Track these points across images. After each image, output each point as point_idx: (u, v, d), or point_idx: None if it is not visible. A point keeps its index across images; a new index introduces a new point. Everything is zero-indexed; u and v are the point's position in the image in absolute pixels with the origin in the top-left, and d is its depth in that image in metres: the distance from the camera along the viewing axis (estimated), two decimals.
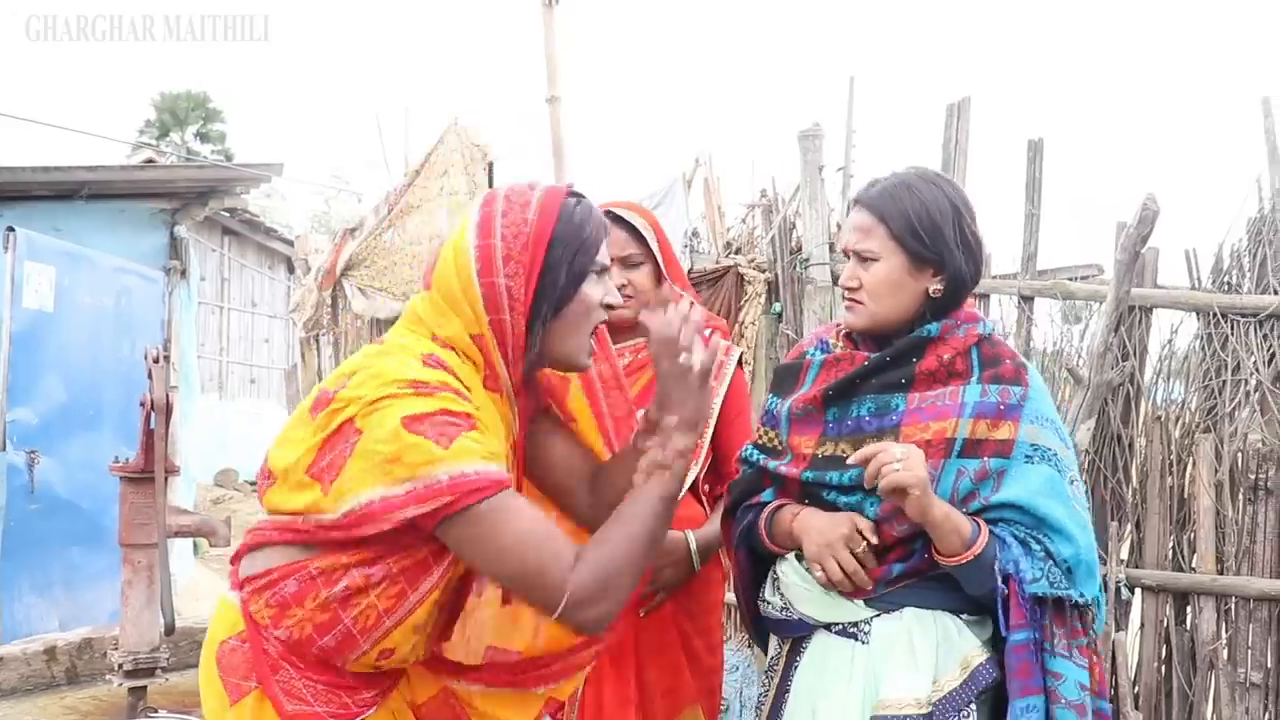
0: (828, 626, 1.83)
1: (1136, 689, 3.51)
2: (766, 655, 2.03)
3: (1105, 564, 3.46)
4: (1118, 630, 3.47)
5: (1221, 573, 3.42)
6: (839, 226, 3.94)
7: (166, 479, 4.00)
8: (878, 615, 1.78)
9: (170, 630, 4.06)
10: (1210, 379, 3.50)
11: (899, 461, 1.64)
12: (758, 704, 1.97)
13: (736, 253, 4.26)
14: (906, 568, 1.76)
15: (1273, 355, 3.44)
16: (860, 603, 1.79)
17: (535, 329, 1.58)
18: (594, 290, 1.61)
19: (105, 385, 6.21)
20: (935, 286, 1.80)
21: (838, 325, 1.94)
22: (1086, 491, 3.46)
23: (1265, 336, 3.45)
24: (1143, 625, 3.55)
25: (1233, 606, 3.41)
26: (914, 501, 1.65)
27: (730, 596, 2.29)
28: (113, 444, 5.36)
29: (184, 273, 7.68)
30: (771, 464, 1.89)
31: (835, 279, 3.79)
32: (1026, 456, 1.75)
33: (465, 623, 1.75)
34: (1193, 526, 3.49)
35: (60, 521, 5.82)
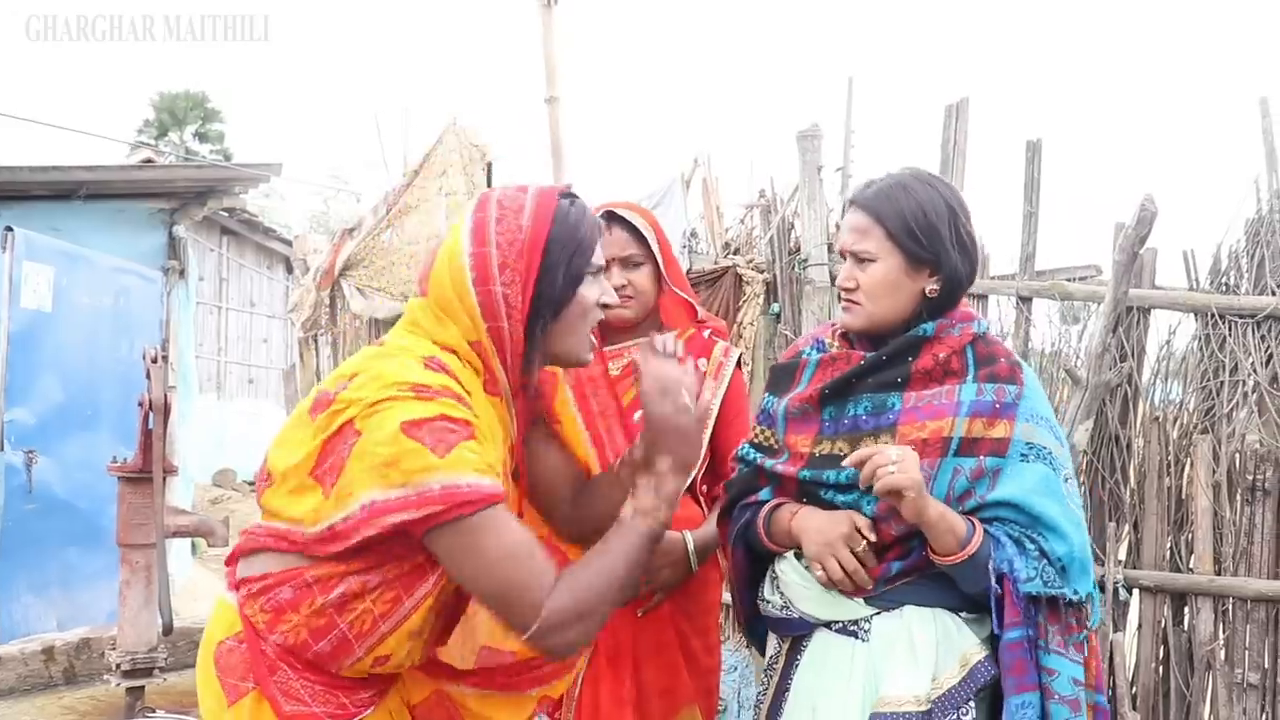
0: (828, 625, 1.83)
1: (1134, 689, 3.51)
2: (761, 654, 2.04)
3: (1103, 564, 3.46)
4: (1115, 631, 3.47)
5: (1219, 573, 3.42)
6: (837, 227, 3.93)
7: (164, 479, 4.00)
8: (878, 613, 1.79)
9: (168, 630, 4.06)
10: (1208, 380, 3.50)
11: (894, 464, 1.64)
12: (757, 702, 1.98)
13: (735, 253, 4.26)
14: (905, 565, 1.77)
15: (1270, 356, 3.44)
16: (860, 601, 1.79)
17: (534, 333, 1.57)
18: (590, 291, 1.61)
19: (103, 385, 6.21)
20: (931, 287, 1.80)
21: (834, 325, 1.94)
22: (1084, 492, 3.49)
23: (1263, 337, 3.45)
24: (1140, 626, 3.56)
25: (1230, 607, 3.41)
26: (909, 503, 1.66)
27: (727, 596, 2.29)
28: (110, 444, 5.34)
29: (182, 273, 7.67)
30: (768, 463, 1.89)
31: (834, 279, 3.78)
32: (1022, 455, 1.76)
33: (462, 625, 1.75)
34: (1190, 527, 3.49)
35: (58, 521, 5.81)
